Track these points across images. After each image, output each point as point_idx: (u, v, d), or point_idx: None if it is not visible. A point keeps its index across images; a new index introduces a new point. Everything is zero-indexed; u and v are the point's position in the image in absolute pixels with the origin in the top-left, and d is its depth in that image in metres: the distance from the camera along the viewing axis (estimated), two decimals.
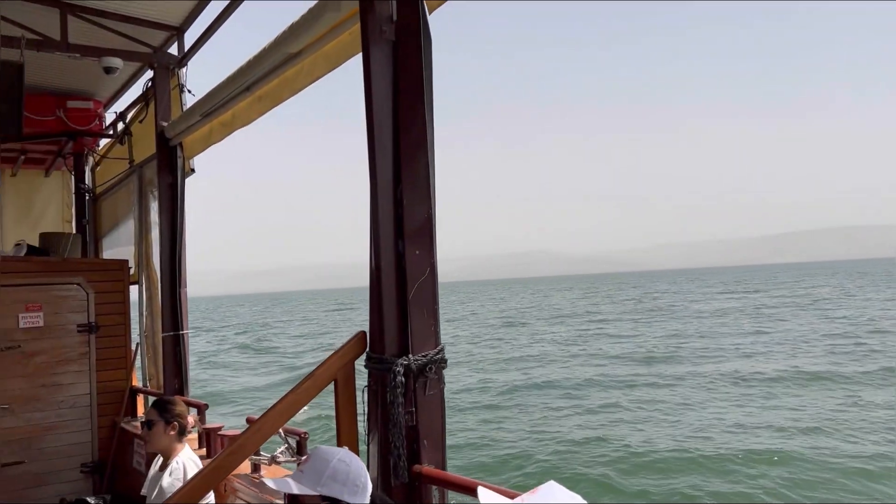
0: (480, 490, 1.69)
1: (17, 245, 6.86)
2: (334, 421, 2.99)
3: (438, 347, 2.94)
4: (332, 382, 2.96)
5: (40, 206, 9.01)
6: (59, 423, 5.95)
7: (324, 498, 2.06)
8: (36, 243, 7.06)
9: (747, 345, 29.92)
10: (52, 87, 6.86)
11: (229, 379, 28.19)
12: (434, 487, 2.80)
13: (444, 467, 2.87)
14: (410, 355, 2.86)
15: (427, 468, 2.77)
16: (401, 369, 2.79)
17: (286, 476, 2.27)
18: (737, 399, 18.57)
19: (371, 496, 2.15)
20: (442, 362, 2.93)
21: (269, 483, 2.10)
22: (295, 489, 2.04)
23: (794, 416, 16.02)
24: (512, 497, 1.68)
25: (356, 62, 3.36)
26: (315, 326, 61.39)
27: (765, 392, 19.32)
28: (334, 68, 3.62)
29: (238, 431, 4.55)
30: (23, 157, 8.15)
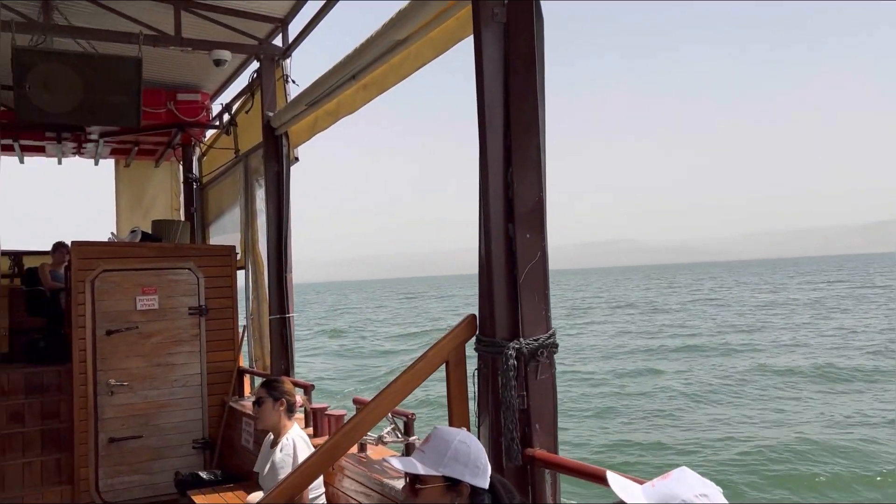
0: (610, 475, 1.66)
1: (133, 231, 7.27)
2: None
3: (550, 332, 2.92)
4: (444, 364, 2.98)
5: (151, 194, 9.51)
6: (172, 401, 6.28)
7: (445, 478, 2.07)
8: (149, 230, 7.46)
9: None
10: (163, 81, 7.20)
11: (306, 362, 28.97)
12: (546, 472, 2.79)
13: (555, 452, 2.85)
14: (522, 339, 2.85)
15: (540, 452, 2.75)
16: (513, 353, 2.79)
17: (403, 456, 2.31)
18: None
19: (490, 478, 2.15)
20: (553, 346, 2.91)
21: (394, 462, 2.14)
22: (420, 469, 2.07)
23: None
24: (640, 483, 1.64)
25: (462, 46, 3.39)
26: (387, 313, 62.48)
27: None
28: (440, 54, 3.63)
29: (343, 412, 4.68)
30: (136, 148, 8.62)
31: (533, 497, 2.79)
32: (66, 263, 7.93)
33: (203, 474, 5.63)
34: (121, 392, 6.08)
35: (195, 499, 5.05)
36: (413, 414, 3.66)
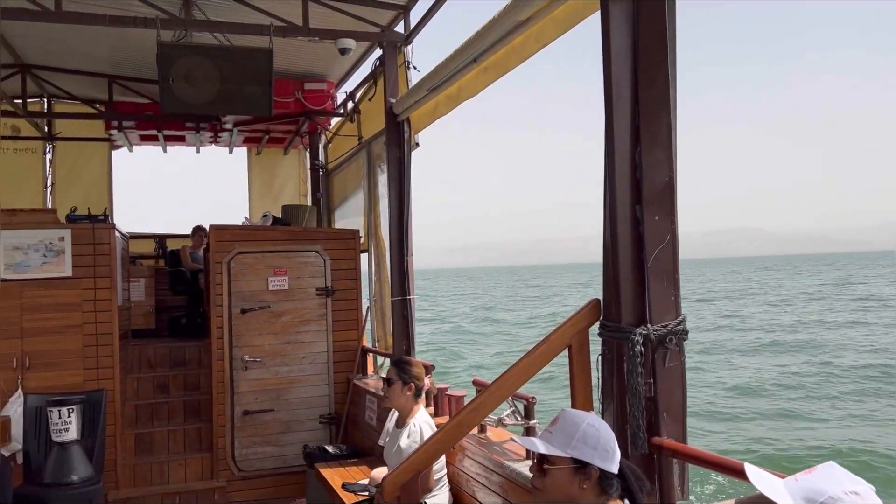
0: (749, 467, 1.58)
1: (264, 216, 7.64)
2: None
3: (679, 318, 2.81)
4: (566, 349, 2.94)
5: (280, 181, 9.97)
6: (301, 377, 6.58)
7: (573, 460, 2.05)
8: (278, 214, 7.82)
9: None
10: (291, 71, 7.49)
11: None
12: (675, 461, 2.70)
13: (684, 442, 2.75)
14: (649, 325, 2.76)
15: (668, 441, 2.67)
16: (639, 339, 2.71)
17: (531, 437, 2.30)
18: None
19: (619, 463, 2.11)
20: (683, 333, 2.80)
21: (521, 441, 2.14)
22: (542, 448, 2.06)
23: None
24: (782, 478, 1.55)
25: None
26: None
27: None
28: (564, 32, 3.55)
29: (463, 392, 4.73)
30: (266, 136, 9.04)
31: (660, 487, 2.71)
32: (204, 245, 8.47)
33: (329, 448, 5.87)
34: (254, 367, 6.44)
35: (322, 471, 5.28)
36: (534, 398, 3.64)
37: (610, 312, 2.88)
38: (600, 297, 2.95)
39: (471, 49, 4.26)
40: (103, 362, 6.08)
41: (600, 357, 2.91)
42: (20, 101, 7.85)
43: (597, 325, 2.95)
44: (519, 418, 3.79)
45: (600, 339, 2.93)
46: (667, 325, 2.77)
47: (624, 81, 2.81)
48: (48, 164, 9.21)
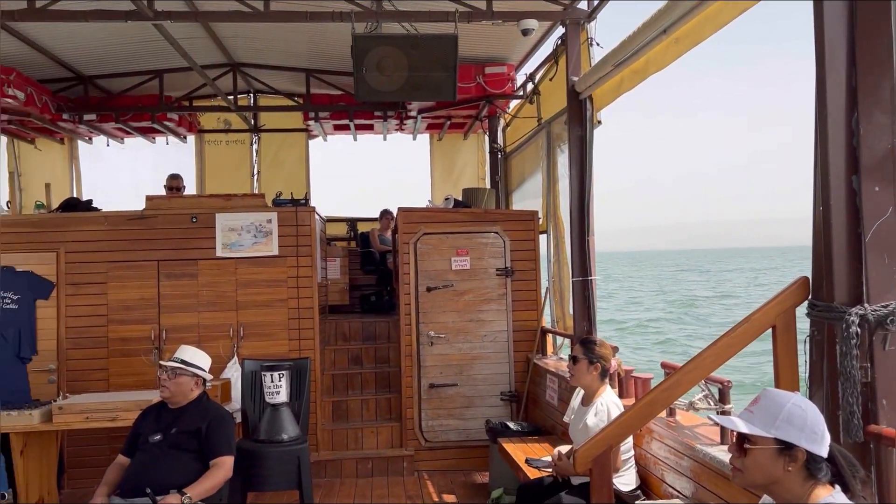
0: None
1: (446, 199, 7.89)
2: None
3: None
4: (770, 329, 2.79)
5: (460, 165, 10.24)
6: (483, 354, 6.76)
7: (777, 441, 1.95)
8: (459, 197, 8.04)
9: None
10: (472, 56, 7.64)
11: None
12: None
13: None
14: (866, 304, 2.55)
15: (888, 430, 2.45)
16: (855, 319, 2.51)
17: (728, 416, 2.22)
18: None
19: (829, 447, 1.98)
20: None
21: (717, 420, 2.07)
22: (743, 428, 1.98)
23: None
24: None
25: None
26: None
27: None
28: None
29: (650, 375, 4.63)
30: (448, 122, 9.31)
31: (877, 479, 2.50)
32: (391, 228, 8.93)
33: (511, 424, 5.99)
34: (439, 343, 6.71)
35: (505, 446, 5.40)
36: (729, 381, 3.49)
37: (820, 291, 2.69)
38: (806, 275, 2.76)
39: (660, 20, 4.12)
40: (305, 334, 6.62)
41: (808, 338, 2.72)
42: (231, 96, 8.69)
43: (804, 305, 2.77)
44: (712, 402, 3.65)
45: (808, 320, 2.75)
46: (888, 306, 2.54)
47: (838, 40, 2.59)
48: (254, 154, 10.13)
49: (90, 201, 7.39)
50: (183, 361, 3.97)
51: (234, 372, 6.12)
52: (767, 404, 2.01)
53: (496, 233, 6.84)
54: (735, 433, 2.05)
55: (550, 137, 7.01)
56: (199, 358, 4.03)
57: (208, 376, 4.10)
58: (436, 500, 5.82)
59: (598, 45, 5.73)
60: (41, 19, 5.69)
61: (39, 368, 6.25)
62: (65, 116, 7.95)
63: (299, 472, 4.67)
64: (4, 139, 8.93)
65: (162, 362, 4.06)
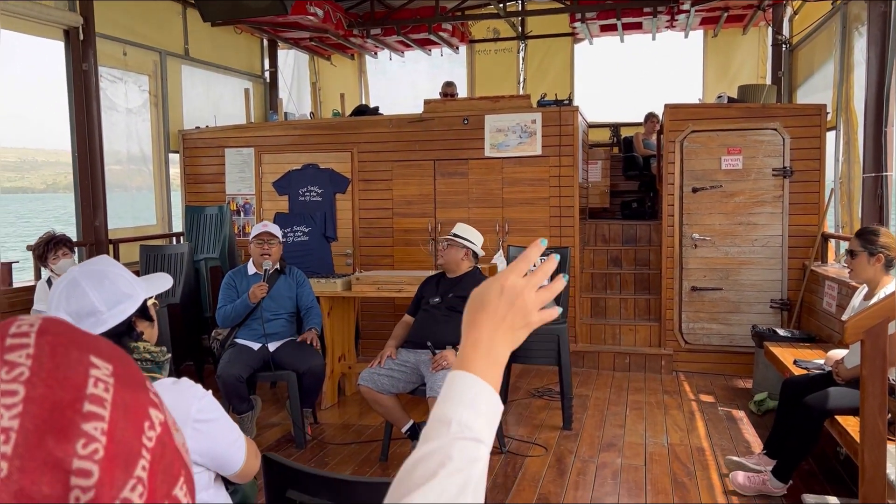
0: None
1: (719, 97, 7.43)
2: None
3: None
4: None
5: (737, 62, 9.50)
6: (752, 260, 6.43)
7: None
8: (734, 96, 7.52)
9: None
10: None
11: None
12: None
13: None
14: None
15: None
16: None
17: None
18: None
19: None
20: None
21: None
22: None
23: None
24: None
25: None
26: None
27: None
28: None
29: None
30: (725, 14, 8.64)
31: None
32: (655, 131, 8.67)
33: (780, 331, 5.70)
34: (703, 246, 6.51)
35: (772, 349, 5.18)
36: None
37: None
38: None
39: None
40: (565, 232, 6.83)
41: None
42: (501, 2, 8.92)
43: None
44: None
45: None
46: None
47: None
48: (521, 62, 10.36)
49: (377, 108, 8.21)
50: (456, 235, 4.40)
51: (499, 261, 6.56)
52: None
53: (774, 129, 6.34)
54: None
55: (847, 20, 6.22)
56: (470, 233, 4.44)
57: (479, 251, 4.50)
58: (693, 398, 5.81)
59: None
60: None
61: (338, 252, 7.27)
62: (354, 32, 8.80)
63: (559, 350, 4.96)
64: (307, 56, 10.23)
65: (440, 237, 4.54)
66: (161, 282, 1.80)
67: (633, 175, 9.03)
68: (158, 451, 0.79)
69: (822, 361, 4.50)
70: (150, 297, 1.72)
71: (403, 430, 4.26)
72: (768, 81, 8.60)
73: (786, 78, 8.14)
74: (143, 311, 1.68)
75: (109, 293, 1.60)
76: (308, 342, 4.75)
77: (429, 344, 4.09)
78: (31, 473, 0.67)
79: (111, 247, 6.69)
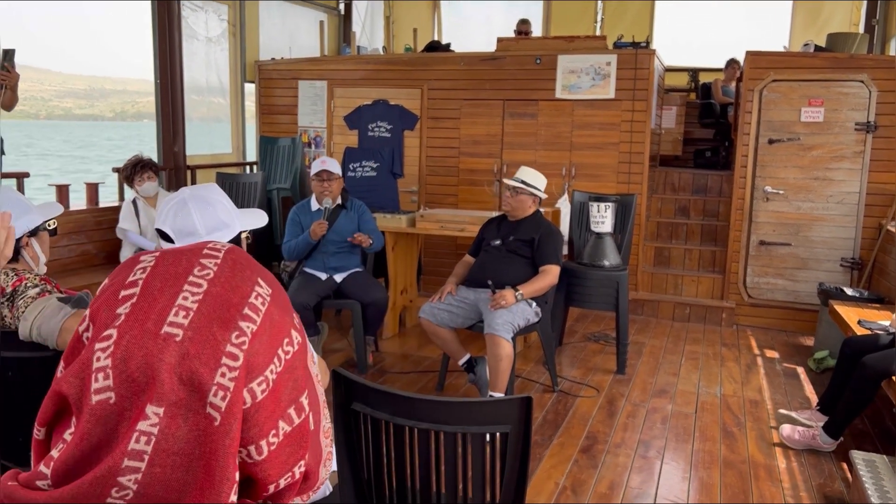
0: None
1: (805, 45, 7.10)
2: None
3: None
4: None
5: (828, 9, 9.01)
6: (825, 216, 6.26)
7: None
8: (822, 44, 7.17)
9: None
10: None
11: None
12: None
13: None
14: None
15: None
16: None
17: None
18: None
19: None
20: None
21: None
22: None
23: None
24: None
25: None
26: None
27: None
28: None
29: None
30: None
31: None
32: (735, 79, 8.37)
33: (848, 290, 5.58)
34: (775, 199, 6.36)
35: (837, 308, 5.09)
36: None
37: None
38: None
39: None
40: (633, 178, 6.75)
41: None
42: None
43: None
44: None
45: None
46: None
47: None
48: (599, 1, 10.07)
49: (449, 45, 8.17)
50: (524, 182, 4.44)
51: (563, 206, 6.57)
52: None
53: (861, 81, 6.06)
54: None
55: None
56: (536, 178, 4.47)
57: (543, 195, 4.54)
58: (752, 352, 5.79)
59: None
60: None
61: (404, 189, 7.39)
62: None
63: (617, 295, 5.01)
64: None
65: (506, 181, 4.59)
66: (257, 218, 1.94)
67: (709, 123, 8.78)
68: (290, 364, 1.11)
69: (887, 323, 4.43)
70: (245, 231, 1.86)
71: (460, 362, 4.42)
72: (861, 30, 8.14)
73: (880, 27, 7.70)
74: (235, 241, 1.83)
75: (210, 218, 1.75)
76: (358, 241, 4.88)
77: (489, 283, 4.21)
78: (197, 344, 1.00)
79: (189, 172, 6.99)
